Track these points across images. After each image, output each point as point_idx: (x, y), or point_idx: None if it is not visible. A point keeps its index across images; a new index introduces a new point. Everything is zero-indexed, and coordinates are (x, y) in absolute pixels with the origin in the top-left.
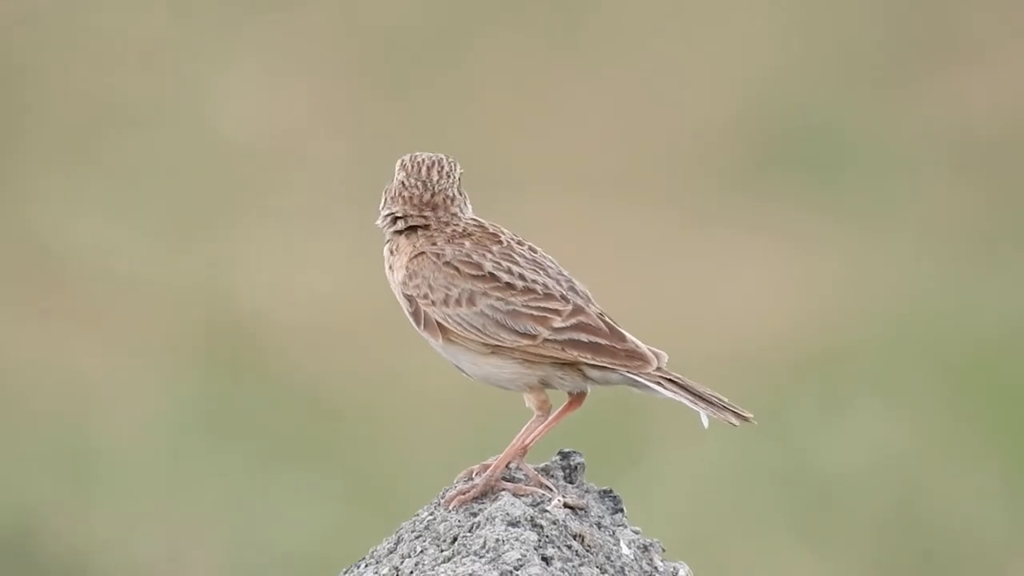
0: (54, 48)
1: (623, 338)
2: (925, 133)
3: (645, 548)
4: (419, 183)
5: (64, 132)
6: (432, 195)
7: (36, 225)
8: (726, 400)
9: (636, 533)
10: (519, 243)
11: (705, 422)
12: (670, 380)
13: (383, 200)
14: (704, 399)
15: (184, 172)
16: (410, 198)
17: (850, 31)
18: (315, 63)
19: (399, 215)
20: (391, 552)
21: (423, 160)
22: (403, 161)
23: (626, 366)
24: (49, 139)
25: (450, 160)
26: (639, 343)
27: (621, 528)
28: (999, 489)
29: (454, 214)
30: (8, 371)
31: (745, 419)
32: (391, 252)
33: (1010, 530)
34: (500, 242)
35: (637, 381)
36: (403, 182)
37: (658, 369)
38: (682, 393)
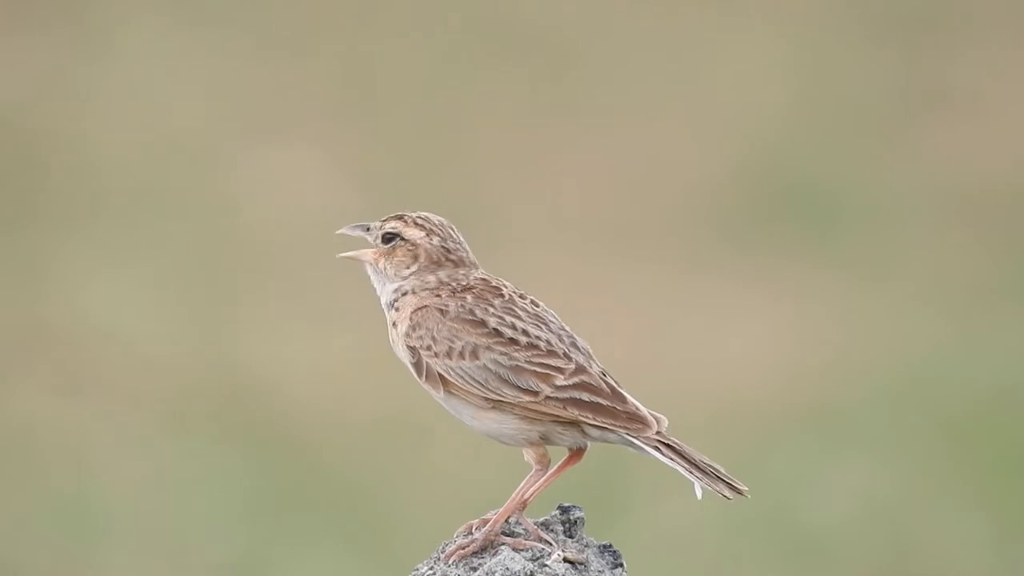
0: (71, 119)
1: (624, 400)
2: (924, 187)
3: None
4: (456, 242)
5: (80, 206)
6: (463, 252)
7: (52, 298)
8: (722, 471)
9: None
10: (521, 297)
11: (699, 493)
12: (668, 446)
13: (409, 261)
14: (700, 468)
15: (198, 243)
16: (448, 253)
17: (848, 85)
18: (321, 122)
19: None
20: None
21: (442, 220)
22: (426, 218)
23: (626, 428)
24: (65, 213)
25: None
26: (640, 406)
27: None
28: (990, 541)
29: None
30: (24, 444)
31: (739, 492)
32: (395, 308)
33: None
34: (502, 296)
35: (635, 444)
36: (443, 245)
37: (657, 433)
38: (679, 461)
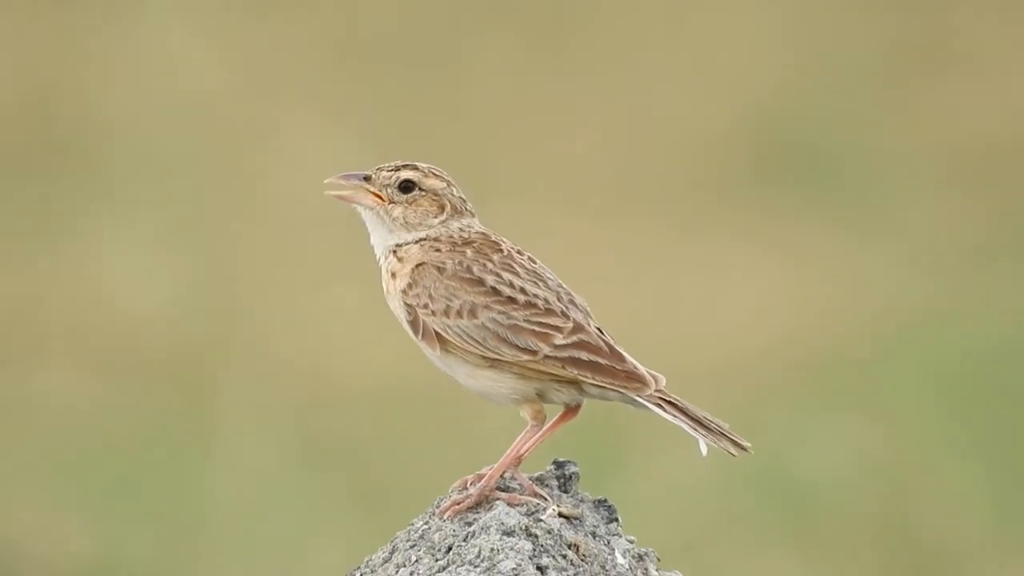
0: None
1: (622, 359)
2: (919, 145)
3: (640, 557)
4: (464, 192)
5: (94, 167)
6: (470, 204)
7: (69, 264)
8: (725, 427)
9: (631, 543)
10: (519, 252)
11: (704, 450)
12: (670, 403)
13: (425, 207)
14: (703, 425)
15: (199, 206)
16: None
17: (844, 44)
18: (317, 80)
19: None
20: (386, 561)
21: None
22: (439, 169)
23: (626, 387)
24: (79, 173)
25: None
26: (637, 364)
27: (616, 537)
28: (986, 495)
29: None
30: (34, 409)
31: (743, 448)
32: (399, 259)
33: (998, 534)
34: (501, 251)
35: (637, 401)
36: (461, 195)
37: (657, 391)
38: (682, 417)
